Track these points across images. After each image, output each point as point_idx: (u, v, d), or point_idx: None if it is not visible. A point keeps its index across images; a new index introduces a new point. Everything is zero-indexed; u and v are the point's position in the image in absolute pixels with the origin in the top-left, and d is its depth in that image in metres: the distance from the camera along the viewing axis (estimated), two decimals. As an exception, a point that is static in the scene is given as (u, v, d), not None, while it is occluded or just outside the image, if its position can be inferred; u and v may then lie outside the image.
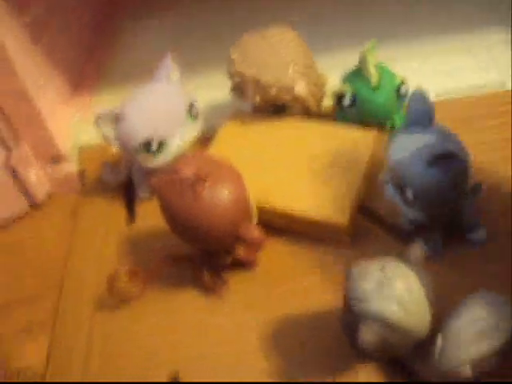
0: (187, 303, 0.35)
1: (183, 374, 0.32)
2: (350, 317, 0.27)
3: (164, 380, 0.32)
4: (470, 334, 0.26)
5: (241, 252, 0.34)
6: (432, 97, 0.43)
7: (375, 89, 0.38)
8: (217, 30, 0.56)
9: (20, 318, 0.38)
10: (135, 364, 0.33)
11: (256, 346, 0.33)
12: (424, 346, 0.28)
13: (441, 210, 0.31)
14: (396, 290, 0.25)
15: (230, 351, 0.33)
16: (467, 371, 0.27)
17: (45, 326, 0.37)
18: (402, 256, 0.28)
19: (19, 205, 0.44)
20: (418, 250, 0.27)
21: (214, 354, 0.33)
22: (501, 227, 0.35)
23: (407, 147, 0.30)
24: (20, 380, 0.34)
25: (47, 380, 0.34)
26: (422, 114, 0.31)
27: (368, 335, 0.25)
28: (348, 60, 0.40)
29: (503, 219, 0.35)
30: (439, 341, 0.27)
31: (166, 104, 0.37)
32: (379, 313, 0.25)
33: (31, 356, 0.36)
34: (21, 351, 0.36)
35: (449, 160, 0.29)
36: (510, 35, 0.48)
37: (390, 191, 0.32)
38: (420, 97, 0.31)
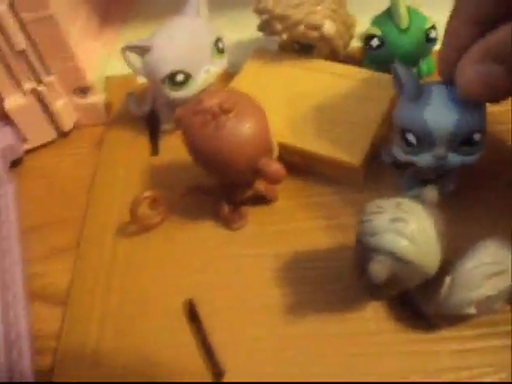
0: (206, 234, 0.37)
1: (197, 300, 0.34)
2: (361, 251, 0.28)
3: (179, 304, 0.34)
4: (478, 277, 0.27)
5: (260, 186, 0.35)
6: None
7: (404, 32, 0.38)
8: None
9: (45, 242, 0.39)
10: (153, 289, 0.35)
11: (267, 277, 0.34)
12: (432, 286, 0.29)
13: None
14: (409, 226, 0.26)
15: (242, 280, 0.34)
16: (472, 311, 0.28)
17: (69, 249, 0.38)
18: (416, 197, 0.28)
19: (47, 133, 0.46)
20: (432, 191, 0.28)
21: (229, 281, 0.34)
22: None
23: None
24: (45, 294, 0.36)
25: (71, 296, 0.36)
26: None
27: (378, 268, 0.26)
28: (380, 3, 0.39)
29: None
30: (447, 282, 0.28)
31: (193, 38, 0.37)
32: (391, 246, 0.26)
33: (55, 275, 0.37)
34: (45, 271, 0.38)
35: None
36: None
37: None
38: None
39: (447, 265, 0.28)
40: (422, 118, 0.29)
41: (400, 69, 0.29)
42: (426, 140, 0.30)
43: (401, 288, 0.29)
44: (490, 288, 0.27)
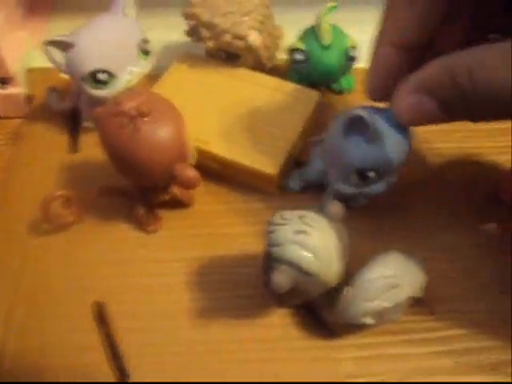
0: (120, 236, 0.37)
1: (108, 302, 0.34)
2: (267, 261, 0.29)
3: (88, 307, 0.33)
4: (374, 289, 0.29)
5: (176, 191, 0.35)
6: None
7: (326, 48, 0.39)
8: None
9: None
10: (63, 290, 0.34)
11: (179, 281, 0.34)
12: (333, 295, 0.30)
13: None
14: (312, 239, 0.27)
15: (154, 284, 0.34)
16: (368, 321, 0.29)
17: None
18: (321, 210, 0.29)
19: (-39, 123, 0.44)
20: (336, 206, 0.29)
21: (140, 286, 0.34)
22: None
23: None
24: None
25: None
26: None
27: (280, 278, 0.27)
28: (309, 18, 0.41)
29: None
30: (345, 292, 0.29)
31: (118, 37, 0.37)
32: (293, 258, 0.27)
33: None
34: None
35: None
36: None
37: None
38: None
39: (348, 275, 0.29)
40: (386, 155, 0.30)
41: (366, 116, 0.29)
42: (385, 172, 0.31)
43: (303, 297, 0.30)
44: (386, 300, 0.28)
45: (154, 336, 0.32)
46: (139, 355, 0.32)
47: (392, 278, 0.29)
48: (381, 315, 0.29)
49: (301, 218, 0.28)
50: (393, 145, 0.30)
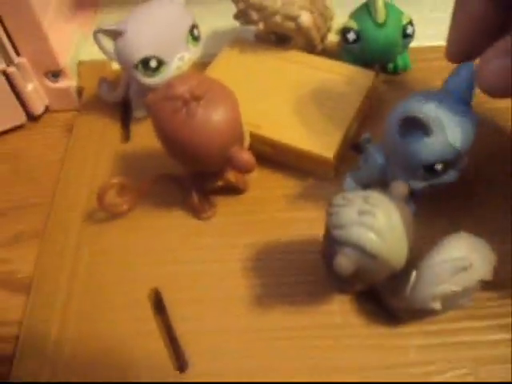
0: (174, 223, 0.36)
1: (164, 289, 0.33)
2: (328, 244, 0.28)
3: (145, 294, 0.33)
4: (443, 272, 0.27)
5: (231, 176, 0.35)
6: (439, 41, 0.44)
7: (380, 26, 0.38)
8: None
9: (10, 227, 0.38)
10: (119, 278, 0.34)
11: (235, 268, 0.34)
12: (398, 280, 0.29)
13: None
14: (376, 220, 0.26)
15: (211, 270, 0.34)
16: (437, 306, 0.28)
17: (35, 235, 0.38)
18: (385, 191, 0.28)
19: (17, 116, 0.44)
20: (400, 185, 0.28)
21: (196, 272, 0.34)
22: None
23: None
24: (8, 281, 0.36)
25: (34, 283, 0.35)
26: (466, 88, 0.29)
27: (344, 261, 0.26)
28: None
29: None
30: (413, 277, 0.28)
31: (167, 23, 0.37)
32: (357, 240, 0.26)
33: (20, 261, 0.37)
34: (10, 258, 0.37)
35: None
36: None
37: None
38: (470, 71, 0.29)
39: (414, 259, 0.28)
40: (451, 144, 0.28)
41: (421, 115, 0.28)
42: (454, 161, 0.30)
43: (368, 282, 0.29)
44: (455, 284, 0.27)
45: (212, 323, 0.32)
46: (197, 343, 0.31)
47: (461, 260, 0.27)
48: (449, 300, 0.28)
49: (365, 198, 0.26)
50: (456, 132, 0.28)
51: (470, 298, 0.29)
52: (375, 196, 0.27)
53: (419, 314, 0.29)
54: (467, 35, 0.28)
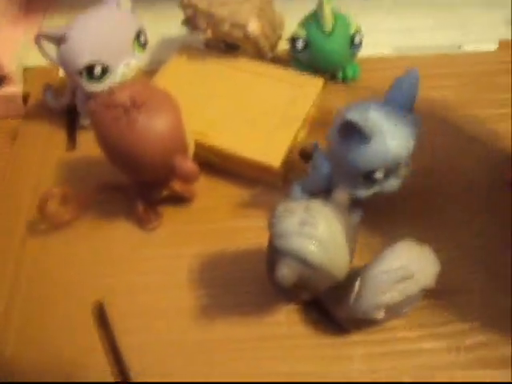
0: (119, 233, 0.35)
1: (107, 302, 0.33)
2: (271, 253, 0.28)
3: (88, 307, 0.32)
4: (385, 283, 0.27)
5: (176, 185, 0.34)
6: (389, 51, 0.44)
7: (328, 35, 0.38)
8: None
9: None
10: (62, 290, 0.34)
11: (181, 279, 0.33)
12: (342, 289, 0.28)
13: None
14: (317, 230, 0.26)
15: (156, 281, 0.33)
16: (380, 316, 0.28)
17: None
18: (327, 199, 0.28)
19: (-42, 124, 0.43)
20: (342, 193, 0.28)
21: (140, 284, 0.33)
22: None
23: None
24: None
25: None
26: (407, 98, 0.29)
27: (285, 271, 0.26)
28: (309, 6, 0.39)
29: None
30: (356, 286, 0.28)
31: (113, 29, 0.36)
32: (298, 250, 0.26)
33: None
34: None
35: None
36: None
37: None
38: (415, 80, 0.29)
39: (358, 268, 0.28)
40: (389, 152, 0.28)
41: (357, 118, 0.28)
42: (394, 168, 0.30)
43: (311, 291, 0.29)
44: (397, 293, 0.27)
45: (156, 335, 0.31)
46: (140, 355, 0.31)
47: (403, 269, 0.27)
48: (392, 308, 0.28)
49: (306, 208, 0.26)
50: (395, 139, 0.28)
51: (413, 305, 0.29)
52: (317, 205, 0.27)
53: (363, 323, 0.29)
54: None
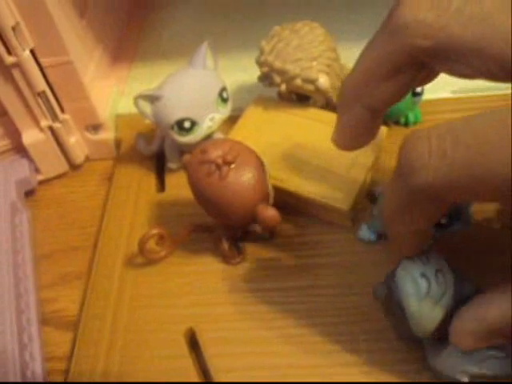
0: (206, 268, 0.40)
1: (198, 329, 0.37)
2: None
3: (181, 334, 0.37)
4: (477, 355, 0.29)
5: (258, 228, 0.38)
6: (448, 94, 0.47)
7: (391, 86, 0.41)
8: (251, 15, 0.59)
9: (56, 269, 0.43)
10: (157, 318, 0.38)
11: (264, 310, 0.37)
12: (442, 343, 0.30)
13: None
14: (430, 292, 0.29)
15: (240, 312, 0.37)
16: (464, 379, 0.30)
17: (79, 277, 0.42)
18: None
19: (59, 165, 0.49)
20: None
21: (227, 314, 0.38)
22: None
23: None
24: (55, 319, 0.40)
25: (81, 321, 0.39)
26: None
27: (380, 289, 0.30)
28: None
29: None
30: (450, 346, 0.29)
31: (199, 88, 0.41)
32: (405, 293, 0.29)
33: (66, 301, 0.41)
34: (56, 297, 0.41)
35: None
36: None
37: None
38: None
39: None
40: None
41: None
42: (456, 213, 0.33)
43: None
44: (486, 368, 0.29)
45: (243, 361, 0.35)
46: (229, 379, 0.35)
47: (498, 351, 0.29)
48: (479, 377, 0.29)
49: (437, 272, 0.29)
50: None
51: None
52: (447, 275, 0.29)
53: (448, 382, 0.31)
54: (353, 137, 0.32)
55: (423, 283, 0.29)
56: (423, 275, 0.29)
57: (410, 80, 0.29)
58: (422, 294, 0.29)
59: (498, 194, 0.23)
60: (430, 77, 0.31)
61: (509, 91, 0.47)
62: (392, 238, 0.30)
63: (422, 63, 0.27)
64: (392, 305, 0.30)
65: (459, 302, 0.29)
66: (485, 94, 0.47)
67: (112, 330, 0.38)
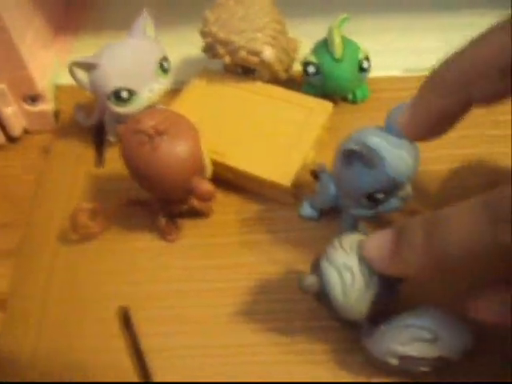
0: (142, 244, 0.39)
1: (131, 308, 0.36)
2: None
3: (114, 312, 0.36)
4: (406, 336, 0.29)
5: (195, 202, 0.37)
6: (398, 73, 0.47)
7: (338, 61, 0.40)
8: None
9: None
10: (90, 296, 0.37)
11: (199, 288, 0.36)
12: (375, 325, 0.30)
13: None
14: (353, 285, 0.28)
15: (175, 290, 0.36)
16: (393, 362, 0.30)
17: (10, 254, 0.40)
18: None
19: (-4, 137, 0.47)
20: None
21: (162, 292, 0.36)
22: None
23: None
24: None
25: (9, 300, 0.37)
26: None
27: (310, 281, 0.29)
28: (323, 30, 0.42)
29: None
30: (382, 328, 0.30)
31: (138, 57, 0.39)
32: (327, 283, 0.28)
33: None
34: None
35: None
36: (482, 19, 0.49)
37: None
38: None
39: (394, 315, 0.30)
40: (390, 176, 0.30)
41: (359, 148, 0.30)
42: (394, 190, 0.32)
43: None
44: (413, 349, 0.29)
45: (176, 340, 0.34)
46: (162, 358, 0.34)
47: (427, 331, 0.29)
48: (408, 362, 0.29)
49: (360, 261, 0.28)
50: (395, 164, 0.30)
51: (428, 368, 0.30)
52: (366, 266, 0.28)
53: (379, 363, 0.31)
54: (433, 123, 0.29)
55: (347, 275, 0.28)
56: (346, 266, 0.28)
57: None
58: (348, 286, 0.28)
59: None
60: None
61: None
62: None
63: None
64: (321, 295, 0.30)
65: (387, 285, 0.28)
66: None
67: (42, 308, 0.36)
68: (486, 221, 0.22)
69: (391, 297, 0.30)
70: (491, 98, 0.27)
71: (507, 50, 0.25)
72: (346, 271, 0.28)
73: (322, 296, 0.29)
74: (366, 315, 0.29)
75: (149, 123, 0.33)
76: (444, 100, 0.28)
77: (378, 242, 0.27)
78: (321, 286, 0.29)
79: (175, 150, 0.33)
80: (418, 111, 0.29)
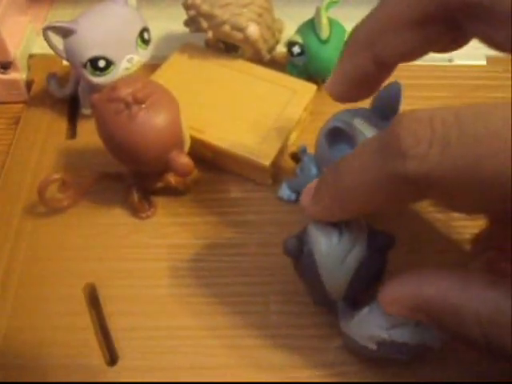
0: (113, 221, 0.37)
1: (99, 285, 0.34)
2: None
3: (80, 289, 0.34)
4: (386, 320, 0.28)
5: (171, 178, 0.36)
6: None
7: (324, 42, 0.39)
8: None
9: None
10: (56, 272, 0.35)
11: (169, 267, 0.35)
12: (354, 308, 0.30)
13: None
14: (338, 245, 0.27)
15: (144, 269, 0.35)
16: (371, 347, 0.29)
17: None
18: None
19: (-37, 106, 0.44)
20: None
21: (132, 269, 0.35)
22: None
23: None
24: None
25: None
26: (390, 108, 0.30)
27: (292, 242, 0.28)
28: (313, 12, 0.41)
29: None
30: (363, 312, 0.29)
31: (118, 25, 0.38)
32: (314, 243, 0.28)
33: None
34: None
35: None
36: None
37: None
38: (397, 91, 0.30)
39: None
40: None
41: (344, 126, 0.29)
42: None
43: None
44: (393, 334, 0.28)
45: (143, 320, 0.33)
46: (128, 338, 0.32)
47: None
48: (387, 348, 0.28)
49: (346, 223, 0.28)
50: None
51: (408, 356, 0.29)
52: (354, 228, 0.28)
53: (357, 348, 0.30)
54: (351, 84, 0.29)
55: (334, 231, 0.27)
56: (335, 225, 0.28)
57: (435, 36, 0.25)
58: (334, 242, 0.27)
59: (496, 203, 0.20)
60: (457, 42, 0.27)
61: (446, 63, 0.46)
62: (331, 207, 0.27)
63: (454, 20, 0.24)
64: (304, 261, 0.29)
65: (373, 254, 0.28)
66: (425, 63, 0.46)
67: (4, 282, 0.35)
68: (376, 150, 0.22)
69: (377, 267, 0.29)
70: (400, 54, 0.27)
71: (416, 4, 0.25)
72: (334, 228, 0.27)
73: (306, 263, 0.28)
74: (348, 286, 0.28)
75: (127, 91, 0.31)
76: (355, 59, 0.28)
77: (307, 190, 0.28)
78: (305, 248, 0.28)
79: (154, 120, 0.31)
80: (337, 73, 0.29)
